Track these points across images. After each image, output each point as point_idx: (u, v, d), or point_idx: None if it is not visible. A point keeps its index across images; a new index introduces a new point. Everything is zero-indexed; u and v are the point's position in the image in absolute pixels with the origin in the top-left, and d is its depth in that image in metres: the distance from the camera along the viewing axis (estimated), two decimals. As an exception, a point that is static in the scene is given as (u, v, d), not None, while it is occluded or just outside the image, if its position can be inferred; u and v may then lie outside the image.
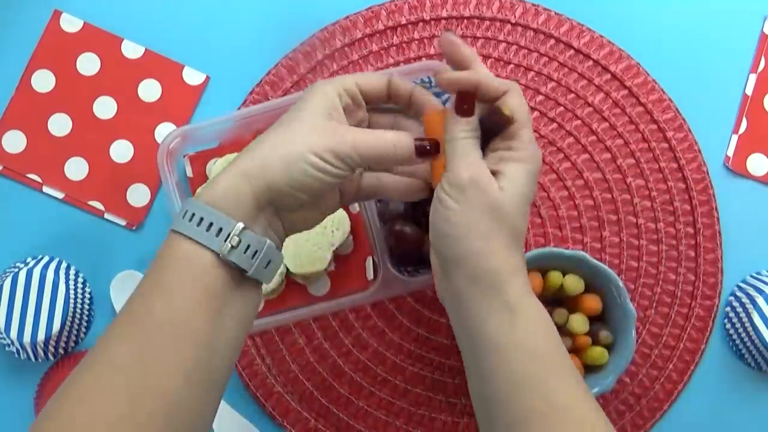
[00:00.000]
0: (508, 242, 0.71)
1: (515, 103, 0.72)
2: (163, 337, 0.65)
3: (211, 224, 0.67)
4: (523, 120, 0.72)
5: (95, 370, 0.65)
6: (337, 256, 0.98)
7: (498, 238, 0.70)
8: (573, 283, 0.93)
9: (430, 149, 0.73)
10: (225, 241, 0.67)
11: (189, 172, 0.98)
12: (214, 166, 0.96)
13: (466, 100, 0.72)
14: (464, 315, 0.72)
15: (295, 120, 0.70)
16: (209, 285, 0.67)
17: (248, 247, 0.68)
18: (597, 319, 0.95)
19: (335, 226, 0.95)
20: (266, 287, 0.93)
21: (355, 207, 0.97)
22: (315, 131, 0.70)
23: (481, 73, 0.72)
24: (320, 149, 0.69)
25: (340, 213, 0.95)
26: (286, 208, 0.71)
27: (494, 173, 0.71)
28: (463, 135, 0.72)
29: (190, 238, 0.67)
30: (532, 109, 1.02)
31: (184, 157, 0.98)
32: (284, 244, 0.93)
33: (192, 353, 0.66)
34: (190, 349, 0.66)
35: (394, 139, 0.71)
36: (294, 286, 0.98)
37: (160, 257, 0.68)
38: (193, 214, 0.67)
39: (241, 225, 0.67)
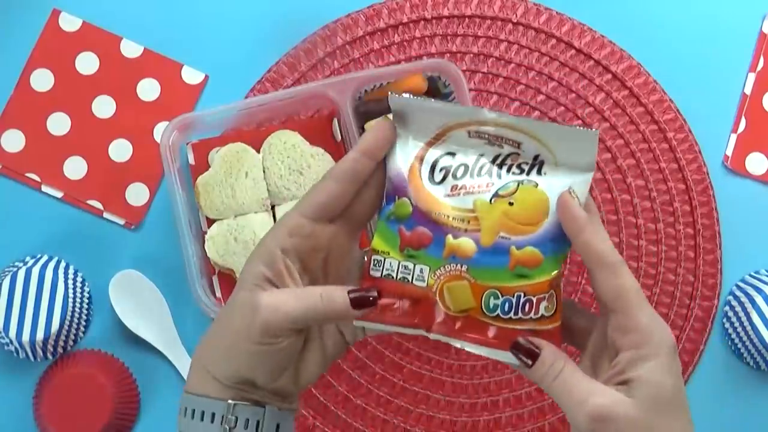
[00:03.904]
0: None
1: (626, 283, 0.64)
2: None
3: (203, 413, 0.66)
4: (637, 301, 0.63)
5: None
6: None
7: None
8: None
9: (371, 300, 0.66)
10: (221, 424, 0.66)
11: (191, 160, 0.98)
12: (216, 155, 0.96)
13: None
14: None
15: (230, 307, 0.67)
16: None
17: (247, 421, 0.66)
18: None
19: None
20: None
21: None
22: (244, 315, 0.65)
23: (594, 244, 0.64)
24: (251, 335, 0.65)
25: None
26: (267, 382, 0.68)
27: (625, 383, 0.63)
28: (560, 367, 0.64)
29: None
30: (533, 108, 1.02)
31: (186, 144, 0.98)
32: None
33: None
34: None
35: (323, 298, 0.66)
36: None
37: None
38: (186, 408, 0.67)
39: (229, 403, 0.66)
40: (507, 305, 0.66)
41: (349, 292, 0.66)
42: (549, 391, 0.64)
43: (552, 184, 0.66)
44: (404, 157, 0.68)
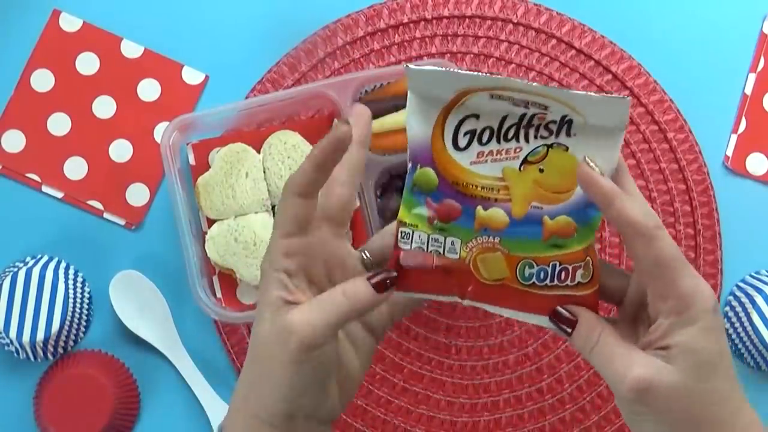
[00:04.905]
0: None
1: (664, 251, 0.62)
2: None
3: None
4: (676, 267, 0.62)
5: None
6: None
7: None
8: None
9: (393, 280, 0.66)
10: None
11: (191, 160, 0.98)
12: (217, 156, 0.96)
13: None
14: None
15: (261, 340, 0.66)
16: None
17: None
18: None
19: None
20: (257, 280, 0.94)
21: (356, 202, 0.97)
22: (279, 340, 0.64)
23: (626, 215, 0.62)
24: (290, 355, 0.64)
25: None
26: (314, 408, 0.67)
27: (665, 348, 0.62)
28: (596, 337, 0.64)
29: None
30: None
31: (186, 145, 0.98)
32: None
33: None
34: None
35: (347, 294, 0.65)
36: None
37: None
38: None
39: None
40: (542, 274, 0.65)
41: (368, 279, 0.65)
42: (590, 361, 0.64)
43: (582, 146, 0.64)
44: (425, 121, 0.65)
